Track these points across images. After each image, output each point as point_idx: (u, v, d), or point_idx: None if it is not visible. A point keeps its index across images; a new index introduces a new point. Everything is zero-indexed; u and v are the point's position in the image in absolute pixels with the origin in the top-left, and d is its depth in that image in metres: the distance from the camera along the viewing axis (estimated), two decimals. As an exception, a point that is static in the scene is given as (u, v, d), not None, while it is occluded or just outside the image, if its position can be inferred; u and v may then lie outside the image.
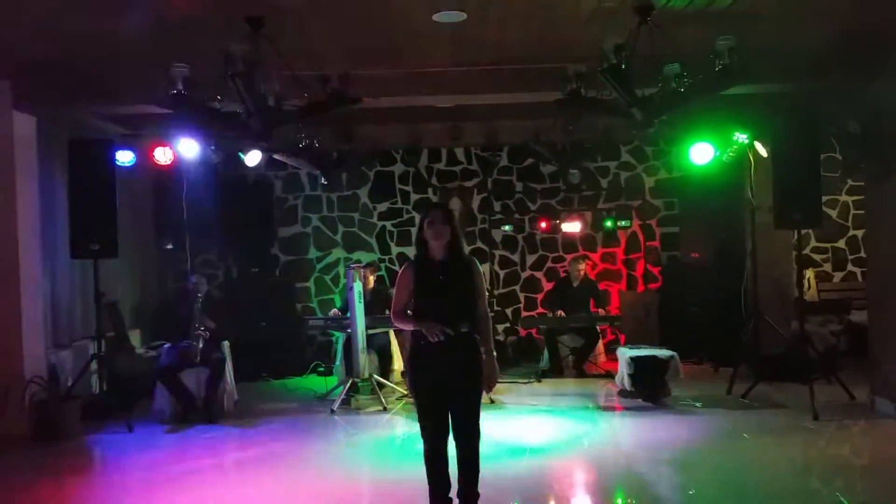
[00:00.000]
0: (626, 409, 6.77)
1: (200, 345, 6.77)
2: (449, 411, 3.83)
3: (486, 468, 4.02)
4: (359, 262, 9.12)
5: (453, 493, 3.92)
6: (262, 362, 8.61)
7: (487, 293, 4.35)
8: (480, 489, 3.92)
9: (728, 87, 4.65)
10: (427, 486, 3.93)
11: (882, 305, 6.38)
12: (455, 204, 9.59)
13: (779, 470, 4.96)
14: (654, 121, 4.86)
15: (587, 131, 8.13)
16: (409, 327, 3.89)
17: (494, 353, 3.94)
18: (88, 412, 6.53)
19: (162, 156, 7.52)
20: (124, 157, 7.31)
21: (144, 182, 8.78)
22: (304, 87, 4.94)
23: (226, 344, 7.11)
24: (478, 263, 3.98)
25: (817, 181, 6.52)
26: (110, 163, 6.69)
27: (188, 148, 7.23)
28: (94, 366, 6.78)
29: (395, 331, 7.87)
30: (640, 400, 6.84)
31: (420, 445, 3.93)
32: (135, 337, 8.22)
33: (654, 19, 4.67)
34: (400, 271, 3.99)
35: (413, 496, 4.26)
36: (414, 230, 9.93)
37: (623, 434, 6.05)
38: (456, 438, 3.86)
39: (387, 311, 7.68)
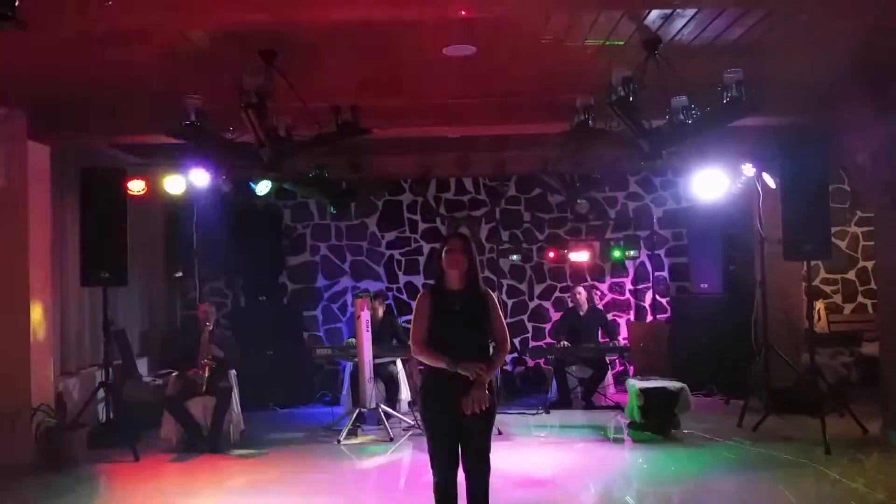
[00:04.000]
0: (636, 441, 6.71)
1: (207, 374, 6.77)
2: (459, 442, 3.80)
3: (493, 500, 3.97)
4: (366, 291, 9.11)
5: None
6: (269, 391, 8.57)
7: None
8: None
9: (736, 119, 4.68)
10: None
11: (893, 336, 6.33)
12: (464, 233, 9.61)
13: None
14: (661, 152, 4.88)
15: (595, 162, 8.18)
16: (436, 363, 3.76)
17: (489, 377, 3.77)
18: (95, 440, 6.52)
19: (173, 185, 7.59)
20: (136, 187, 7.38)
21: (155, 211, 8.84)
22: (316, 118, 4.99)
23: (232, 373, 7.10)
24: (492, 295, 3.97)
25: (826, 212, 6.52)
26: (122, 192, 6.76)
27: (199, 177, 7.30)
28: (101, 394, 6.78)
29: (403, 360, 7.84)
30: (649, 432, 6.77)
31: (429, 476, 3.90)
32: (142, 365, 8.23)
33: (662, 52, 4.72)
34: (417, 300, 3.96)
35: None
36: (422, 259, 9.85)
37: (633, 467, 5.97)
38: (466, 470, 3.82)
39: (395, 341, 7.79)
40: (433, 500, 3.88)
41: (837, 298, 9.59)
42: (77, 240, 6.69)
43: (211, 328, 6.93)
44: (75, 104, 6.01)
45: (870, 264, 9.32)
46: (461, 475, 3.85)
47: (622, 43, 4.77)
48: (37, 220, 6.37)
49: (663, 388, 6.76)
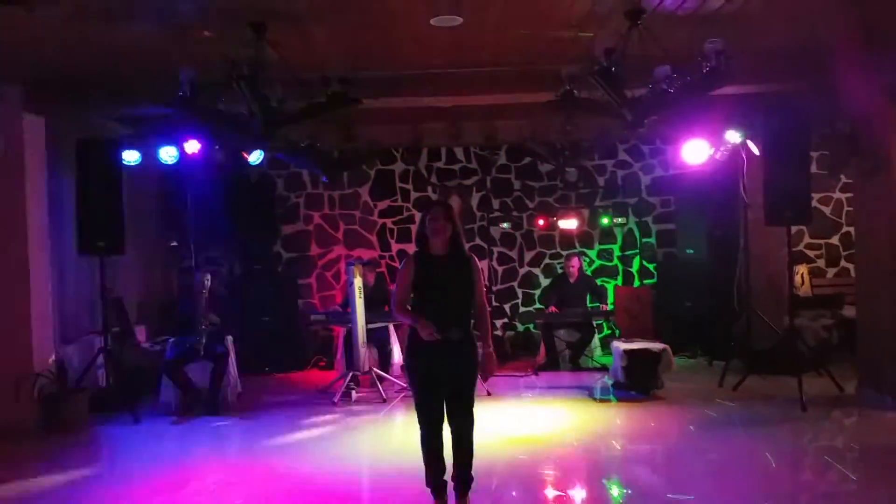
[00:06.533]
0: (620, 400, 6.94)
1: (205, 339, 6.94)
2: (444, 398, 4.00)
3: (482, 455, 4.17)
4: (359, 258, 9.26)
5: (449, 476, 4.09)
6: (265, 357, 8.77)
7: (486, 289, 4.49)
8: (478, 476, 4.08)
9: (715, 88, 4.79)
10: (424, 469, 4.10)
11: (869, 299, 6.54)
12: (454, 202, 9.73)
13: (768, 460, 5.10)
14: (643, 121, 5.00)
15: (584, 130, 8.29)
16: (407, 321, 4.04)
17: (492, 347, 4.09)
18: (95, 405, 6.69)
19: (167, 155, 7.68)
20: (130, 157, 7.47)
21: (150, 181, 8.94)
22: (306, 88, 5.10)
23: (229, 338, 7.28)
24: (476, 260, 4.13)
25: (807, 179, 6.65)
26: (117, 162, 6.86)
27: (193, 147, 7.38)
28: (100, 360, 6.94)
29: (394, 325, 8.04)
30: (633, 392, 6.99)
31: (418, 431, 4.09)
32: (140, 332, 8.39)
33: (645, 22, 4.82)
34: (401, 266, 4.15)
35: (411, 479, 4.42)
36: (414, 228, 10.07)
37: (617, 425, 6.20)
38: (450, 424, 4.03)
39: (387, 308, 7.96)
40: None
41: (821, 263, 9.78)
42: (74, 209, 6.80)
43: (206, 295, 7.09)
44: (71, 78, 6.09)
45: (853, 229, 9.47)
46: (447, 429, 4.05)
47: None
48: (34, 191, 6.48)
49: (646, 350, 6.96)
